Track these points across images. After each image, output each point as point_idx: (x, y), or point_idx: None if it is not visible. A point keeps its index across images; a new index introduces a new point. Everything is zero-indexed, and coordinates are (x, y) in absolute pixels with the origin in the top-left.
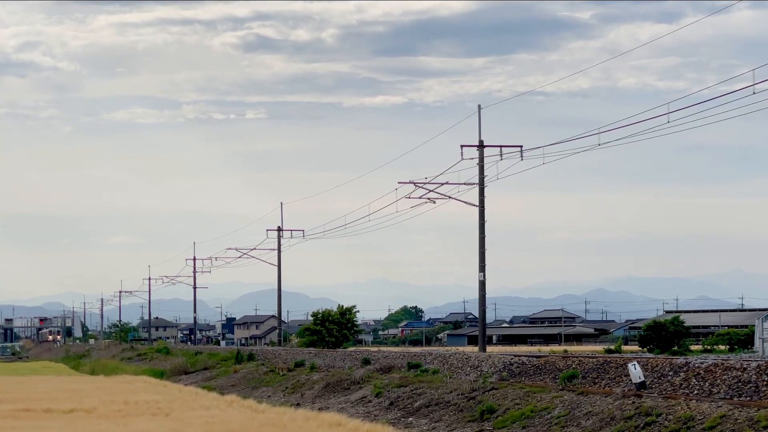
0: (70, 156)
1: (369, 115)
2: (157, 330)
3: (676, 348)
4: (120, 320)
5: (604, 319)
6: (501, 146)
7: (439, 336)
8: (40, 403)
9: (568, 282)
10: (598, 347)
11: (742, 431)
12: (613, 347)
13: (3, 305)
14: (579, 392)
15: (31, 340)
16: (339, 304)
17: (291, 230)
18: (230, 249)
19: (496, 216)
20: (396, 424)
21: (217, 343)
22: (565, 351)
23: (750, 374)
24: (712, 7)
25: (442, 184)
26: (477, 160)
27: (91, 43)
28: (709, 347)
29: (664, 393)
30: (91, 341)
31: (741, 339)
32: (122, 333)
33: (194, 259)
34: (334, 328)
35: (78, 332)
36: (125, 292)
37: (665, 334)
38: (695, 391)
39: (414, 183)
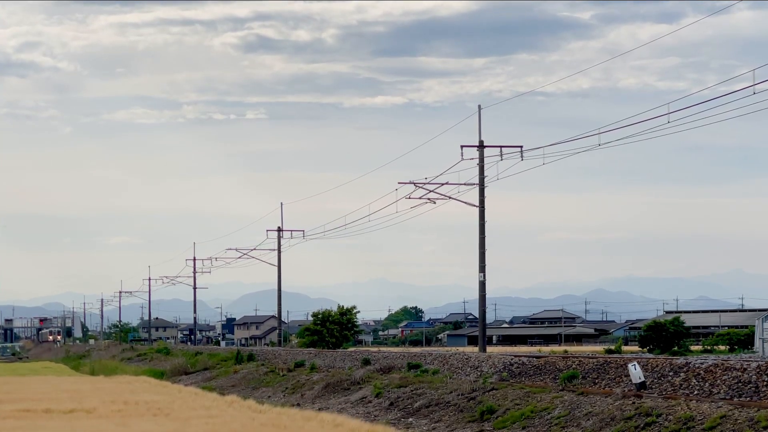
0: (71, 156)
1: (369, 116)
2: (157, 330)
3: (676, 348)
4: (120, 320)
5: (604, 319)
6: (501, 146)
7: (439, 336)
8: (40, 404)
9: (568, 282)
10: (598, 347)
11: (742, 431)
12: (613, 347)
13: (3, 305)
14: (579, 392)
15: (31, 341)
16: (339, 305)
17: (291, 230)
18: (230, 249)
19: (496, 216)
20: (396, 424)
21: (217, 343)
22: (565, 351)
23: (750, 374)
24: (712, 8)
25: (442, 184)
26: (477, 161)
27: (91, 44)
28: (709, 347)
29: (664, 393)
30: (91, 341)
31: (741, 339)
32: (122, 333)
33: (194, 259)
34: (335, 328)
35: (78, 332)
36: (125, 292)
37: (665, 335)
38: (695, 392)
39: (414, 183)
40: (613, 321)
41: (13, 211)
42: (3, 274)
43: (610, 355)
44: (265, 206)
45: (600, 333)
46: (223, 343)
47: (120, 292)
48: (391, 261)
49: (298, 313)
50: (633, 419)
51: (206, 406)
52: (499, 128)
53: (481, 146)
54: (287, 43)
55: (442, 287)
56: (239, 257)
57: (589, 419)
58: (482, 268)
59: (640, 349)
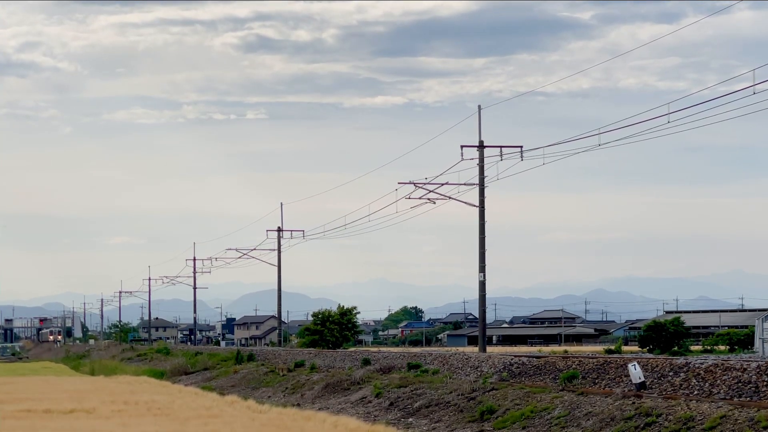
0: (71, 156)
1: (369, 116)
2: (157, 330)
3: (676, 348)
4: (120, 320)
5: (604, 319)
6: (501, 146)
7: (439, 336)
8: (40, 404)
9: (568, 282)
10: (598, 347)
11: (742, 431)
12: (613, 347)
13: (3, 305)
14: (579, 393)
15: (31, 341)
16: (339, 305)
17: (291, 230)
18: (230, 249)
19: (496, 216)
20: (396, 424)
21: (217, 343)
22: (565, 351)
23: (750, 374)
24: (713, 8)
25: (442, 184)
26: (477, 161)
27: (91, 44)
28: (709, 347)
29: (664, 393)
30: (91, 341)
31: (741, 339)
32: (122, 333)
33: (194, 259)
34: (335, 328)
35: (78, 332)
36: (125, 292)
37: (665, 335)
38: (695, 392)
39: (414, 183)
40: (613, 321)
41: (13, 211)
42: (3, 274)
43: (610, 355)
44: (265, 206)
45: (600, 333)
46: (223, 343)
47: (120, 292)
48: (391, 261)
49: (298, 313)
50: (633, 419)
51: (206, 406)
52: (499, 128)
53: (481, 146)
54: (287, 43)
55: (442, 287)
56: (239, 257)
57: (589, 419)
58: (482, 268)
59: (640, 349)
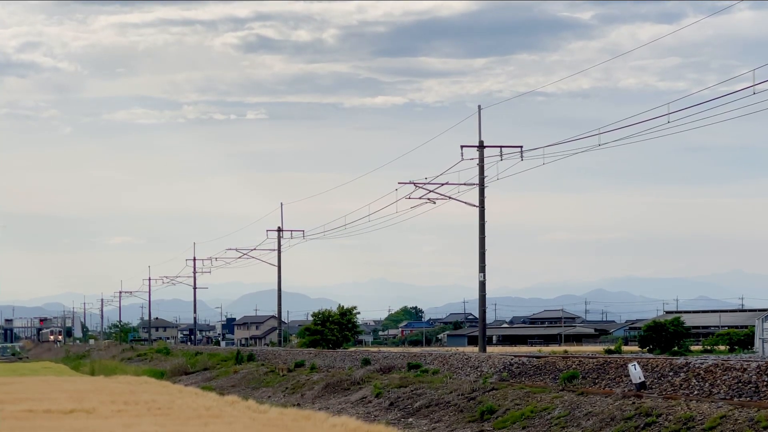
0: (71, 156)
1: (369, 116)
2: (157, 330)
3: (676, 348)
4: (120, 321)
5: (604, 319)
6: (501, 146)
7: (439, 336)
8: (40, 404)
9: (568, 282)
10: (598, 347)
11: (742, 431)
12: (613, 347)
13: (3, 305)
14: (579, 393)
15: (31, 341)
16: (339, 305)
17: (291, 230)
18: (230, 249)
19: (496, 216)
20: (396, 424)
21: (217, 343)
22: (565, 351)
23: (750, 374)
24: (713, 8)
25: (442, 184)
26: (477, 161)
27: (91, 44)
28: (709, 347)
29: (664, 393)
30: (91, 342)
31: (741, 339)
32: (122, 333)
33: (194, 259)
34: (335, 328)
35: (78, 333)
36: (125, 292)
37: (665, 335)
38: (695, 392)
39: (414, 183)
40: (613, 321)
41: (13, 211)
42: (3, 274)
43: (610, 355)
44: (265, 206)
45: (600, 333)
46: (223, 343)
47: (120, 292)
48: (391, 261)
49: (298, 313)
50: (633, 419)
51: (206, 406)
52: (499, 128)
53: (481, 146)
54: (287, 43)
55: (442, 287)
56: (239, 257)
57: (589, 419)
58: (482, 268)
59: (640, 349)
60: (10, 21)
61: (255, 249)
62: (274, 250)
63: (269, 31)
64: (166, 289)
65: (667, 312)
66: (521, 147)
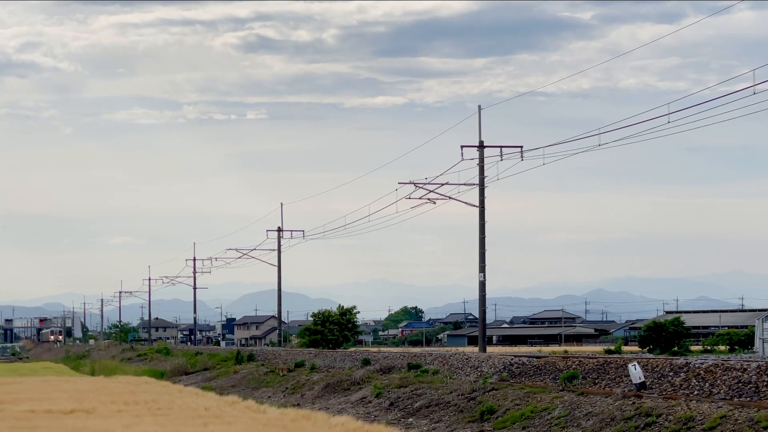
0: (71, 156)
1: (369, 116)
2: (157, 330)
3: (676, 348)
4: (120, 321)
5: (604, 319)
6: (501, 147)
7: (439, 336)
8: (41, 404)
9: (568, 282)
10: (598, 348)
11: (742, 431)
12: (613, 348)
13: (3, 305)
14: (579, 393)
15: (31, 341)
16: (339, 305)
17: (291, 230)
18: (230, 249)
19: (496, 216)
20: (396, 424)
21: (217, 343)
22: (566, 351)
23: (750, 375)
24: (713, 8)
25: (443, 184)
26: (477, 161)
27: (91, 44)
28: (709, 348)
29: (664, 393)
30: (91, 342)
31: (741, 339)
32: (122, 333)
33: (194, 259)
34: (335, 328)
35: (78, 333)
36: (125, 292)
37: (665, 335)
38: (695, 392)
39: (414, 183)
40: (613, 321)
41: (13, 211)
42: (3, 274)
43: (610, 356)
44: (265, 206)
45: (600, 333)
46: (223, 343)
47: (120, 292)
48: (391, 261)
49: (298, 313)
50: (633, 419)
51: (206, 406)
52: (499, 128)
53: (481, 146)
54: (288, 43)
55: (442, 287)
56: (239, 257)
57: (589, 419)
58: (482, 268)
59: (640, 349)
60: (10, 21)
61: (255, 249)
62: (274, 250)
63: (269, 31)
64: (166, 289)
65: (667, 312)
66: (521, 147)
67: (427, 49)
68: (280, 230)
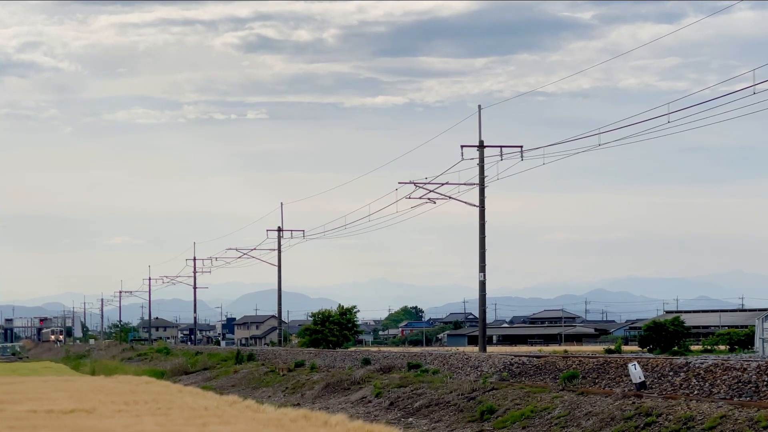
0: (71, 156)
1: (370, 116)
2: (157, 330)
3: (676, 348)
4: (120, 320)
5: (604, 319)
6: (501, 146)
7: (440, 336)
8: (41, 404)
9: (568, 282)
10: (598, 347)
11: (742, 431)
12: (613, 347)
13: (3, 305)
14: (579, 392)
15: (31, 341)
16: (339, 305)
17: (291, 230)
18: (230, 249)
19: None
20: (396, 424)
21: (217, 343)
22: (566, 351)
23: (750, 374)
24: (713, 8)
25: (443, 184)
26: (477, 161)
27: (92, 44)
28: (709, 347)
29: (664, 393)
30: (91, 341)
31: (741, 339)
32: (122, 333)
33: (194, 259)
34: (335, 328)
35: (78, 332)
36: (125, 292)
37: (665, 335)
38: (695, 392)
39: (414, 183)
40: (613, 321)
41: (13, 211)
42: (3, 274)
43: (610, 355)
44: (265, 206)
45: (600, 333)
46: (223, 343)
47: (120, 292)
48: (391, 261)
49: (298, 313)
50: (633, 419)
51: (206, 406)
52: (499, 128)
53: (481, 146)
54: (288, 43)
55: (442, 287)
56: (239, 257)
57: (589, 419)
58: (482, 268)
59: (640, 348)
60: (11, 21)
61: (255, 249)
62: (274, 250)
63: (270, 31)
64: (166, 289)
65: (667, 312)
66: (521, 147)
67: (427, 49)
68: (280, 230)
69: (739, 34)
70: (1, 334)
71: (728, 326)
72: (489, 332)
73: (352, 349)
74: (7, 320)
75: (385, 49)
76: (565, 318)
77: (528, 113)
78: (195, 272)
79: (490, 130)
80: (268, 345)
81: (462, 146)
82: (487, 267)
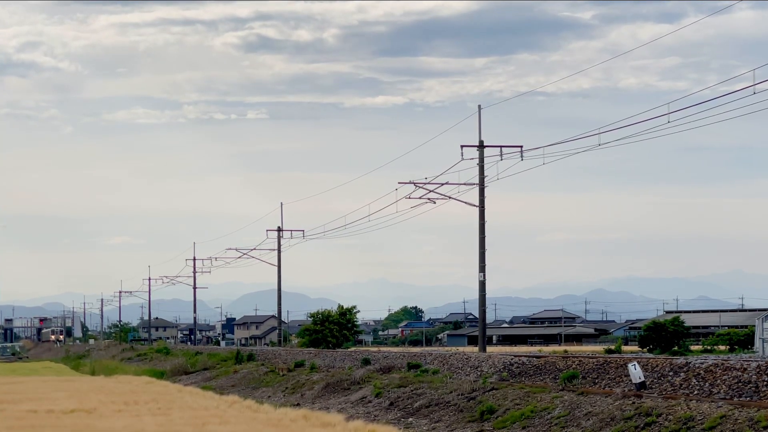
0: (71, 156)
1: (370, 116)
2: (157, 330)
3: (676, 348)
4: (120, 320)
5: (604, 319)
6: (501, 146)
7: (439, 336)
8: (41, 404)
9: (568, 282)
10: (598, 347)
11: (742, 431)
12: (613, 347)
13: (3, 305)
14: (579, 392)
15: (31, 341)
16: (339, 305)
17: (291, 230)
18: (230, 249)
19: (496, 216)
20: (396, 424)
21: (217, 343)
22: (565, 351)
23: (750, 374)
24: (713, 7)
25: (442, 184)
26: (477, 160)
27: (92, 44)
28: (709, 347)
29: (664, 393)
30: (91, 341)
31: (741, 339)
32: (122, 333)
33: (194, 259)
34: (335, 328)
35: (78, 332)
36: (125, 292)
37: (665, 335)
38: (695, 392)
39: (414, 183)
40: (613, 321)
41: (13, 211)
42: (3, 274)
43: (610, 355)
44: (265, 206)
45: (600, 333)
46: (223, 343)
47: (120, 292)
48: (391, 261)
49: (298, 313)
50: (633, 419)
51: (206, 406)
52: (499, 128)
53: (481, 146)
54: (288, 43)
55: (442, 287)
56: (239, 257)
57: (589, 419)
58: (482, 268)
59: (640, 348)
60: (11, 21)
61: (255, 249)
62: (274, 250)
63: (270, 31)
64: (166, 289)
65: (667, 312)
66: (521, 147)
67: (427, 49)
68: (280, 230)
69: (739, 34)
70: (1, 334)
71: (728, 326)
72: (489, 332)
73: (352, 349)
74: (7, 320)
75: (385, 49)
76: (565, 318)
77: (528, 113)
78: (195, 272)
79: (490, 130)
80: (267, 345)
81: (462, 146)
82: (487, 267)
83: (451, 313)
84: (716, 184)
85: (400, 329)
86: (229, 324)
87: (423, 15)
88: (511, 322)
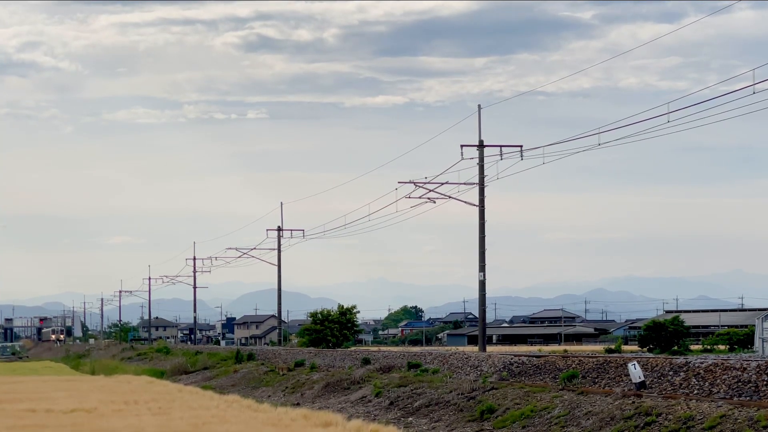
0: (71, 156)
1: (370, 115)
2: (157, 330)
3: (676, 348)
4: (120, 320)
5: (604, 319)
6: (501, 146)
7: (439, 336)
8: (41, 404)
9: (568, 282)
10: (598, 347)
11: (742, 431)
12: (613, 347)
13: (3, 305)
14: (579, 392)
15: (31, 340)
16: (339, 304)
17: (291, 230)
18: (230, 249)
19: (496, 216)
20: (396, 423)
21: (217, 342)
22: (565, 351)
23: (750, 374)
24: (713, 7)
25: (442, 183)
26: (477, 160)
27: (92, 43)
28: (709, 347)
29: (664, 393)
30: (91, 341)
31: (741, 339)
32: (122, 333)
33: (194, 258)
34: (335, 327)
35: (78, 332)
36: (125, 292)
37: (665, 334)
38: (695, 391)
39: (414, 183)
40: (613, 320)
41: (13, 211)
42: (3, 274)
43: (610, 355)
44: (265, 206)
45: (600, 332)
46: (223, 343)
47: (120, 292)
48: (390, 260)
49: (298, 312)
50: (633, 419)
51: (206, 405)
52: (499, 128)
53: (481, 146)
54: (288, 42)
55: (442, 287)
56: (239, 257)
57: (589, 419)
58: (482, 268)
59: (640, 348)
60: (11, 20)
61: (255, 248)
62: (274, 249)
63: (270, 31)
64: (166, 289)
65: (667, 311)
66: (521, 146)
67: (427, 49)
68: (280, 230)
69: (739, 34)
70: (1, 333)
71: (728, 326)
72: (489, 332)
73: (352, 348)
74: (7, 320)
75: (385, 48)
76: (564, 318)
77: (528, 113)
78: (195, 272)
79: (490, 129)
80: (267, 345)
81: (462, 146)
82: (486, 267)
83: (450, 313)
84: (716, 184)
85: (400, 329)
86: (229, 323)
87: (423, 15)
88: (511, 321)
